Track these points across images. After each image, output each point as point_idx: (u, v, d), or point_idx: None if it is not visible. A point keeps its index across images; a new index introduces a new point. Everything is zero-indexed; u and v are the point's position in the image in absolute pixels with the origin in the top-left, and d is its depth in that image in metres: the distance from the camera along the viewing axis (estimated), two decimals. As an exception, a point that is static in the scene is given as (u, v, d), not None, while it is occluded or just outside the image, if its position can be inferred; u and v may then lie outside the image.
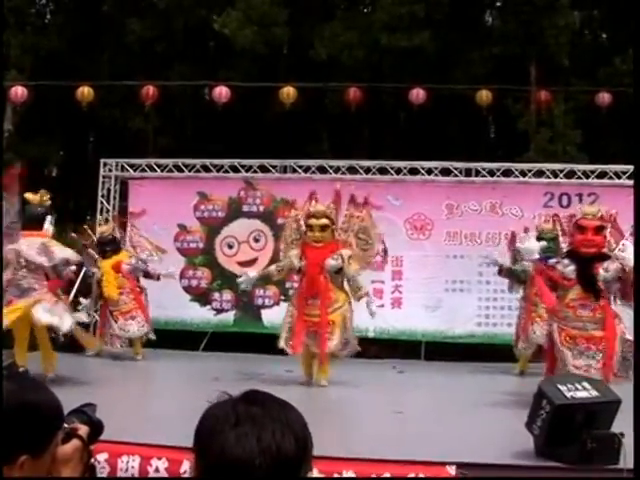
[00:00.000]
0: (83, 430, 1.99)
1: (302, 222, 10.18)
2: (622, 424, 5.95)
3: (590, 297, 8.44)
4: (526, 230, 11.05)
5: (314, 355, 10.03)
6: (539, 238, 10.02)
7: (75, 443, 1.94)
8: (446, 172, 14.05)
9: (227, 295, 14.33)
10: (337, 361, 10.22)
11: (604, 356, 8.29)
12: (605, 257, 8.49)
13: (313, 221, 9.98)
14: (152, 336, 12.38)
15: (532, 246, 9.12)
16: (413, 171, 14.04)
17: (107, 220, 13.91)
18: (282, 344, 10.03)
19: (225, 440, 1.54)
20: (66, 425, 1.95)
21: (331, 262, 9.81)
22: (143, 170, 14.61)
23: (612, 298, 8.61)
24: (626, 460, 5.57)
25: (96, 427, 2.09)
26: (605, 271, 8.36)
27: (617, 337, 8.37)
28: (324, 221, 9.95)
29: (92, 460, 2.05)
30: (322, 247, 9.92)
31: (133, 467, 5.81)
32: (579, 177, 13.74)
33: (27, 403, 1.79)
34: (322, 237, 9.93)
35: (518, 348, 11.66)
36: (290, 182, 14.23)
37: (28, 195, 9.82)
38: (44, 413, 1.82)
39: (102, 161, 14.74)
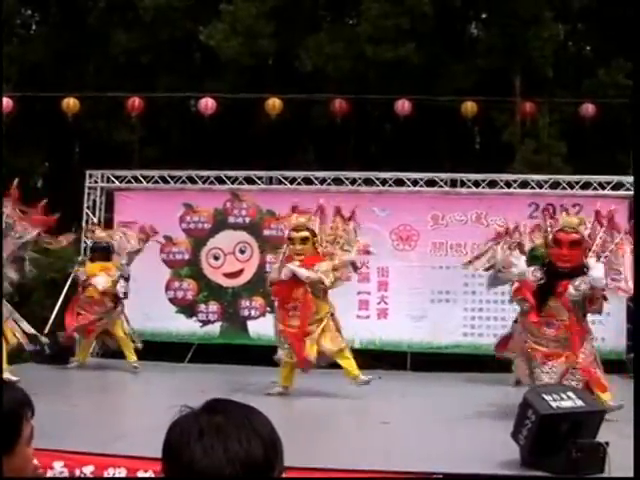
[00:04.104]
0: None
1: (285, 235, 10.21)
2: (607, 433, 5.98)
3: (557, 315, 8.35)
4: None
5: (294, 366, 10.02)
6: (532, 256, 9.84)
7: None
8: (432, 183, 14.09)
9: (213, 307, 14.30)
10: (324, 372, 10.23)
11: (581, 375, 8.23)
12: (579, 273, 8.34)
13: (293, 234, 10.01)
14: (138, 344, 12.38)
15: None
16: (399, 182, 14.07)
17: (105, 227, 13.66)
18: (282, 356, 9.97)
19: (192, 453, 1.53)
20: None
21: (304, 272, 9.72)
22: (129, 181, 14.57)
23: (582, 315, 8.48)
24: (611, 469, 5.60)
25: None
26: (575, 289, 8.24)
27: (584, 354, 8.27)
28: (304, 234, 9.97)
29: None
30: (303, 260, 9.92)
31: (119, 479, 5.81)
32: (564, 188, 13.81)
33: None
34: (302, 250, 9.94)
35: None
36: (276, 193, 14.24)
37: None
38: (5, 412, 1.90)
39: (87, 172, 14.70)
